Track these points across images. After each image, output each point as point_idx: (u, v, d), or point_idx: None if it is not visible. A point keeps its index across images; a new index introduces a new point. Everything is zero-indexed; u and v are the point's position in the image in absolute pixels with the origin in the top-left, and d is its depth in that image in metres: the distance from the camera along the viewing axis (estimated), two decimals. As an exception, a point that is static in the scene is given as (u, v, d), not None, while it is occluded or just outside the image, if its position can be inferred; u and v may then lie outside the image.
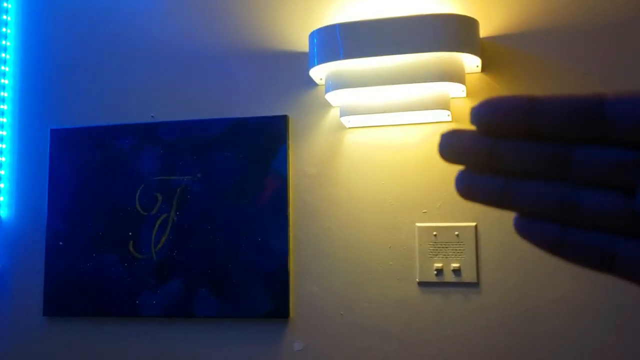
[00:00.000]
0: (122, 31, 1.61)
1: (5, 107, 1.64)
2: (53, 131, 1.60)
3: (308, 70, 1.41)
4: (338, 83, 1.33)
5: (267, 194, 1.46)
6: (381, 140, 1.43)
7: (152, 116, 1.56)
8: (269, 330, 1.44)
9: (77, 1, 1.64)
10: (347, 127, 1.44)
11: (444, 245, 1.36)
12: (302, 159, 1.46)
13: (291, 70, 1.49)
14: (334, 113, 1.45)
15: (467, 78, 1.36)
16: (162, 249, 1.50)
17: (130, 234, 1.52)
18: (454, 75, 1.28)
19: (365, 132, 1.44)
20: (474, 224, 1.35)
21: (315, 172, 1.45)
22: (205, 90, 1.54)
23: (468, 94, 1.38)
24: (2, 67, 1.64)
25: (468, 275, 1.34)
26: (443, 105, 1.32)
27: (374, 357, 1.37)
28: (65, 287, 1.54)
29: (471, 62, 1.33)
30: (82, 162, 1.57)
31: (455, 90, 1.34)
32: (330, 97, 1.38)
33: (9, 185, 1.62)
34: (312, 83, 1.47)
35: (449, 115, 1.35)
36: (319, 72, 1.39)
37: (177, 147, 1.52)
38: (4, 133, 1.63)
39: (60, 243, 1.56)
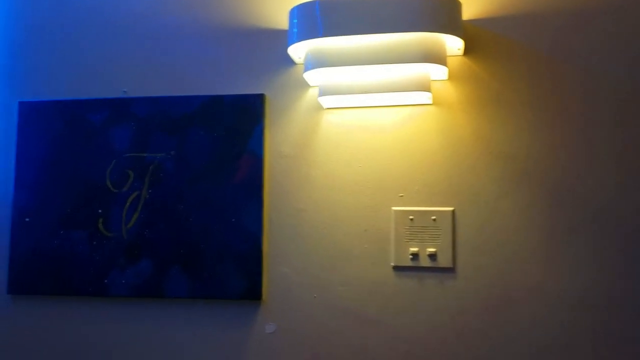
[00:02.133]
0: (96, 3, 1.55)
1: (-29, 77, 1.57)
2: (21, 103, 1.54)
3: (286, 48, 1.37)
4: (317, 62, 1.30)
5: (242, 173, 1.42)
6: (359, 121, 1.40)
7: (125, 91, 1.51)
8: (241, 312, 1.42)
9: (48, -31, 1.58)
10: (325, 107, 1.41)
11: (420, 230, 1.34)
12: (278, 140, 1.43)
13: (269, 48, 1.45)
14: (311, 93, 1.42)
15: (449, 60, 1.34)
16: (133, 228, 1.46)
17: (100, 211, 1.48)
18: (436, 57, 1.26)
19: (343, 113, 1.41)
20: (451, 208, 1.34)
21: (291, 153, 1.42)
22: (180, 66, 1.49)
23: (450, 77, 1.35)
24: (-32, 35, 1.57)
25: (444, 260, 1.33)
26: (424, 87, 1.29)
27: (347, 340, 1.36)
28: (31, 265, 1.50)
29: (453, 44, 1.31)
30: (51, 137, 1.52)
31: (436, 73, 1.32)
32: (309, 76, 1.35)
33: (-26, 158, 1.56)
34: (290, 62, 1.43)
35: (429, 97, 1.33)
36: (298, 50, 1.36)
37: (150, 123, 1.48)
38: (-30, 104, 1.57)
39: (27, 219, 1.51)
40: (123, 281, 1.46)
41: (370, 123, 1.39)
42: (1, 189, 1.54)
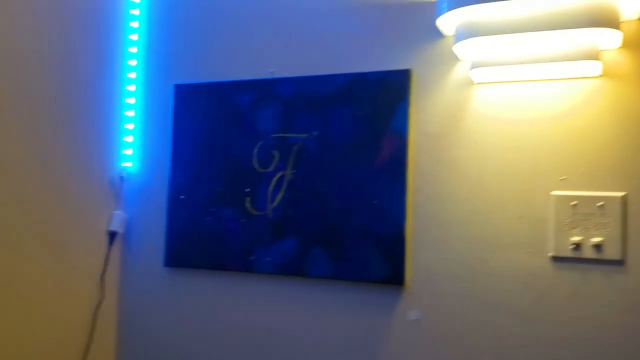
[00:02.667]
0: (244, -16, 1.58)
1: (134, 62, 1.68)
2: (177, 86, 1.62)
3: (434, 20, 1.29)
4: (469, 31, 1.20)
5: (385, 154, 1.37)
6: (515, 97, 1.28)
7: (271, 72, 1.52)
8: (382, 296, 1.37)
9: (201, -45, 1.63)
10: (476, 82, 1.31)
11: (585, 217, 1.20)
12: (424, 118, 1.36)
13: (415, 21, 1.37)
14: (461, 67, 1.32)
15: (622, 26, 1.17)
16: (277, 207, 1.48)
17: (247, 190, 1.52)
18: (607, 21, 1.10)
19: (496, 88, 1.29)
20: (621, 193, 1.18)
21: (438, 132, 1.34)
22: (325, 45, 1.47)
23: (623, 44, 1.18)
24: (131, 24, 1.68)
25: (611, 252, 1.18)
26: (592, 55, 1.14)
27: (496, 336, 1.26)
28: (185, 240, 1.58)
29: (628, 7, 1.14)
30: (204, 118, 1.58)
31: (607, 40, 1.16)
32: (459, 48, 1.25)
33: (137, 139, 1.67)
34: (437, 34, 1.34)
35: (598, 68, 1.18)
36: (448, 21, 1.27)
37: (294, 103, 1.48)
38: (133, 88, 1.68)
39: (182, 197, 1.59)
40: (268, 259, 1.48)
41: (528, 98, 1.27)
42: (160, 167, 1.63)
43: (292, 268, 1.45)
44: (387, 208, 1.36)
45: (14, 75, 1.35)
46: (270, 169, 1.49)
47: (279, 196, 1.48)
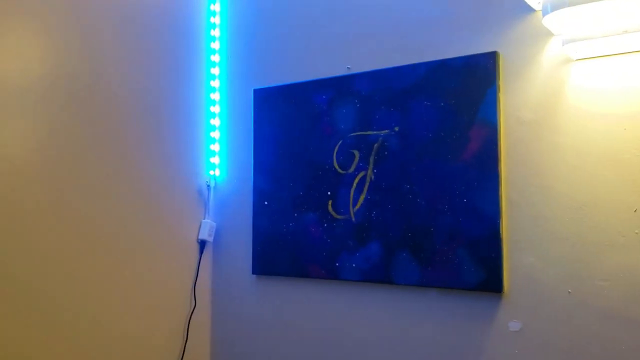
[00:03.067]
0: (318, -20, 1.52)
1: (217, 70, 1.68)
2: (256, 91, 1.59)
3: (521, -7, 1.15)
4: (561, 1, 1.05)
5: (474, 146, 1.24)
6: (621, 73, 1.10)
7: (349, 68, 1.45)
8: (478, 304, 1.24)
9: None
10: (574, 59, 1.14)
11: None
12: (516, 103, 1.21)
13: (502, -3, 1.24)
14: (555, 44, 1.16)
15: None
16: (360, 209, 1.40)
17: (329, 193, 1.45)
18: None
19: (598, 64, 1.12)
20: None
21: (533, 118, 1.19)
22: (401, 34, 1.37)
23: None
24: (212, 32, 1.68)
25: None
26: None
27: (610, 348, 1.09)
28: (270, 247, 1.54)
29: None
30: (282, 120, 1.54)
31: None
32: (550, 21, 1.10)
33: (222, 147, 1.67)
34: (525, 9, 1.19)
35: None
36: (535, -7, 1.12)
37: (373, 99, 1.39)
38: (217, 96, 1.68)
39: (265, 202, 1.55)
40: (353, 265, 1.40)
41: (636, 74, 1.08)
42: (245, 174, 1.61)
43: (378, 274, 1.36)
44: (479, 206, 1.23)
45: (106, 92, 1.39)
46: (351, 169, 1.42)
47: (361, 198, 1.40)
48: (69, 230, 1.33)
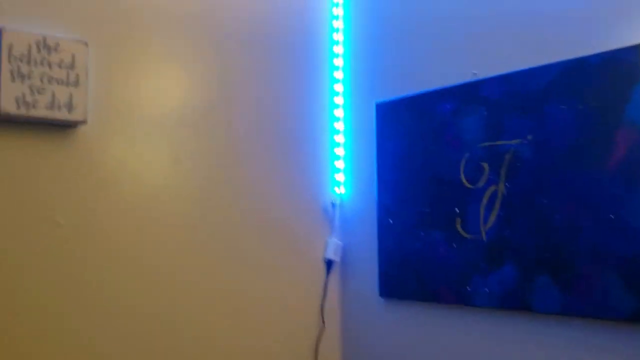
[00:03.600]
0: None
1: (340, 87, 1.66)
2: (378, 105, 1.54)
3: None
4: None
5: (620, 153, 1.07)
6: None
7: (474, 73, 1.34)
8: (631, 338, 1.06)
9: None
10: None
11: None
12: (674, 101, 1.02)
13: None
14: None
15: None
16: (491, 228, 1.27)
17: (456, 210, 1.34)
18: None
19: None
20: None
21: (696, 117, 1.00)
22: (531, 32, 1.23)
23: None
24: (335, 48, 1.66)
25: None
26: None
27: None
28: (397, 268, 1.46)
29: None
30: (405, 134, 1.46)
31: None
32: None
33: (347, 163, 1.63)
34: (682, -12, 1.01)
35: None
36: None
37: (502, 105, 1.26)
38: (341, 114, 1.65)
39: (390, 221, 1.48)
40: (486, 289, 1.27)
41: None
42: (369, 191, 1.56)
43: (514, 301, 1.22)
44: (628, 222, 1.05)
45: (234, 115, 1.44)
46: (480, 184, 1.30)
47: (493, 215, 1.27)
48: (198, 251, 1.37)
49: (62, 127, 1.21)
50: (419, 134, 1.43)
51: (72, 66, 1.19)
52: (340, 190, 1.63)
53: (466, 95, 1.34)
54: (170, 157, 1.35)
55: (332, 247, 1.61)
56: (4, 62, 1.12)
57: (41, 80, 1.15)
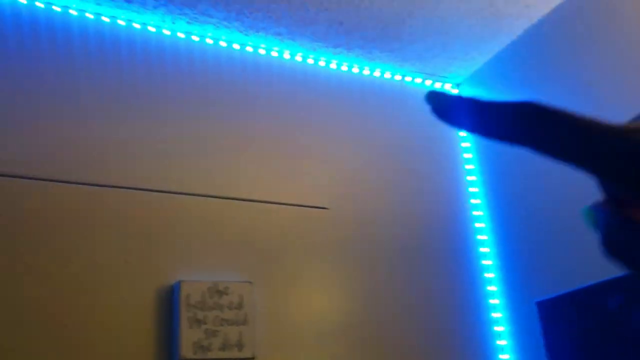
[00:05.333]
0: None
1: (494, 288, 1.62)
2: (539, 304, 1.47)
3: None
4: None
5: None
6: None
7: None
8: None
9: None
10: None
11: None
12: None
13: None
14: None
15: None
16: None
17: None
18: None
19: None
20: None
21: None
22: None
23: None
24: (482, 249, 1.66)
25: None
26: None
27: None
28: None
29: None
30: (572, 334, 1.36)
31: None
32: None
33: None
34: None
35: None
36: None
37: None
38: (499, 315, 1.60)
39: None
40: None
41: None
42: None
43: None
44: None
45: (387, 324, 1.45)
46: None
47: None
48: None
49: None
50: (588, 332, 1.32)
51: (240, 306, 1.30)
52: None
53: (634, 286, 1.24)
54: None
55: None
56: (183, 311, 1.25)
57: (214, 323, 1.26)
